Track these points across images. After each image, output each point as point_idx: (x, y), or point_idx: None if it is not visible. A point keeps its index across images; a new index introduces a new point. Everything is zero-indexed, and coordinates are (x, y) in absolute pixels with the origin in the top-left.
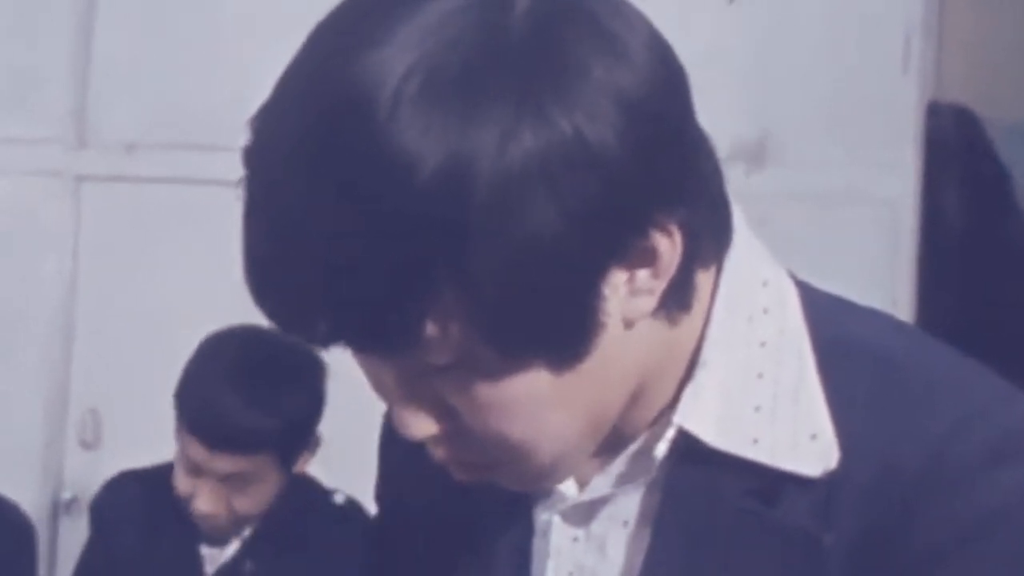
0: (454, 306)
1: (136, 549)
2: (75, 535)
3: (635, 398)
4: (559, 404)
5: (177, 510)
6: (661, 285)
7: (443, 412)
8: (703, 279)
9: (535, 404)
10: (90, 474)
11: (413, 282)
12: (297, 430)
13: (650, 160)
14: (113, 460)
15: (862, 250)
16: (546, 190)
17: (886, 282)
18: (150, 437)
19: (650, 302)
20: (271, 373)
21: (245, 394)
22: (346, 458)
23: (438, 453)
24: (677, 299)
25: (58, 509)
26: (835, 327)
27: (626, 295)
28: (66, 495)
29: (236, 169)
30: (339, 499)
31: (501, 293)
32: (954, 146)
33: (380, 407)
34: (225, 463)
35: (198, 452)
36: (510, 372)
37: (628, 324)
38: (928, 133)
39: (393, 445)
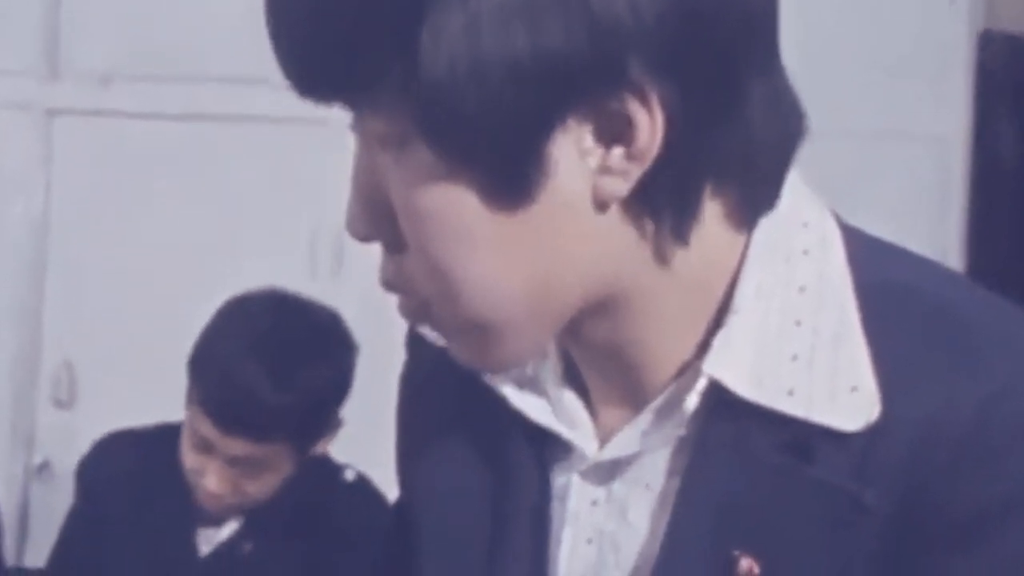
0: (403, 78)
1: (125, 520)
2: (48, 503)
3: (606, 312)
4: (492, 246)
5: (173, 480)
6: (636, 170)
7: (389, 220)
8: (729, 219)
9: (465, 231)
10: (64, 436)
11: (378, 32)
12: (320, 416)
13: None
14: (90, 421)
15: (908, 192)
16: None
17: (935, 226)
18: (131, 395)
19: (622, 186)
20: (297, 349)
21: (267, 375)
22: (359, 432)
23: (387, 273)
24: (669, 212)
25: (29, 474)
26: (881, 273)
27: (597, 169)
28: (38, 459)
29: (219, 102)
30: (349, 476)
31: (445, 90)
32: (1008, 78)
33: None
34: (238, 447)
35: (209, 431)
36: (444, 179)
37: (599, 204)
38: (979, 64)
39: (412, 407)
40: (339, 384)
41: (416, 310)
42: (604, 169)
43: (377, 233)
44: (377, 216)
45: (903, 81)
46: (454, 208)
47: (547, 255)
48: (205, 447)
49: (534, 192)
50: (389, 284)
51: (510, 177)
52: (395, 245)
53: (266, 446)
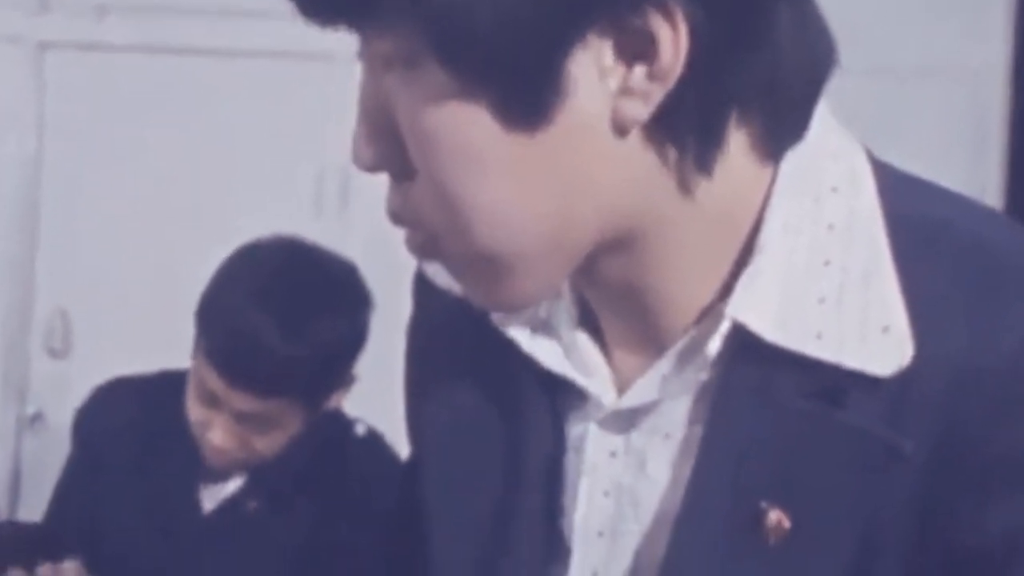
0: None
1: (125, 473)
2: (41, 456)
3: (624, 248)
4: (505, 170)
5: (176, 432)
6: (658, 92)
7: (396, 147)
8: (754, 150)
9: (476, 154)
10: (58, 386)
11: None
12: (332, 371)
13: None
14: (85, 371)
15: (945, 129)
16: None
17: (972, 164)
18: (128, 343)
19: (643, 109)
20: (309, 300)
21: (277, 326)
22: (368, 383)
23: (394, 204)
24: (692, 140)
25: (22, 426)
26: (914, 209)
27: (617, 90)
28: (31, 410)
29: (220, 36)
30: (361, 431)
31: (458, 5)
32: None
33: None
34: (245, 402)
35: (215, 384)
36: (455, 100)
37: (618, 128)
38: None
39: (421, 357)
40: (353, 338)
41: (424, 244)
42: (625, 90)
43: (384, 162)
44: (384, 144)
45: (939, 14)
46: (466, 130)
47: (563, 182)
48: (211, 400)
49: (551, 113)
50: (396, 216)
51: (526, 97)
52: (402, 174)
53: (274, 402)
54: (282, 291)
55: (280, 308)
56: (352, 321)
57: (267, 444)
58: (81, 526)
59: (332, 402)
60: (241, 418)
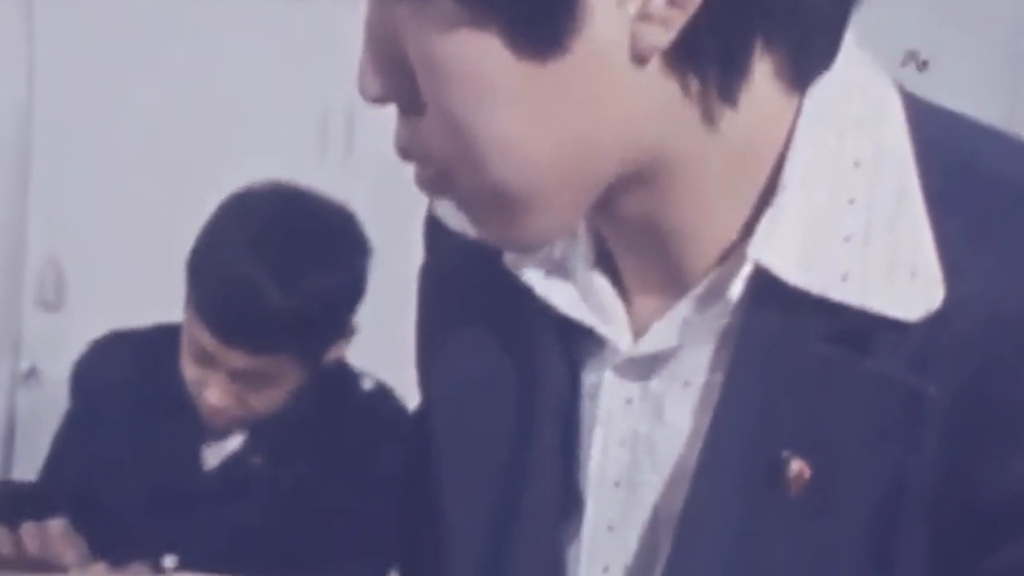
0: None
1: (124, 429)
2: (35, 412)
3: (644, 183)
4: (518, 101)
5: (176, 388)
6: (679, 18)
7: (405, 78)
8: (780, 80)
9: (489, 84)
10: (53, 340)
11: None
12: (330, 324)
13: None
14: (80, 324)
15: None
16: None
17: (1009, 98)
18: (124, 295)
19: (663, 36)
20: (304, 250)
21: (271, 278)
22: (374, 334)
23: (403, 139)
24: (715, 69)
25: (16, 381)
26: (946, 144)
27: (636, 15)
28: (24, 365)
29: None
30: (367, 385)
31: None
32: None
33: (404, 285)
34: (240, 359)
35: (208, 341)
36: (467, 27)
37: (638, 57)
38: None
39: (432, 302)
40: (351, 289)
41: (434, 180)
42: (644, 15)
43: (392, 93)
44: (392, 74)
45: None
46: (478, 59)
47: (580, 114)
48: (205, 359)
49: (566, 41)
50: (405, 151)
51: (539, 24)
52: (412, 106)
53: (271, 358)
54: (276, 241)
55: (274, 259)
56: (350, 270)
57: (265, 401)
58: (79, 483)
59: (332, 355)
60: (237, 376)
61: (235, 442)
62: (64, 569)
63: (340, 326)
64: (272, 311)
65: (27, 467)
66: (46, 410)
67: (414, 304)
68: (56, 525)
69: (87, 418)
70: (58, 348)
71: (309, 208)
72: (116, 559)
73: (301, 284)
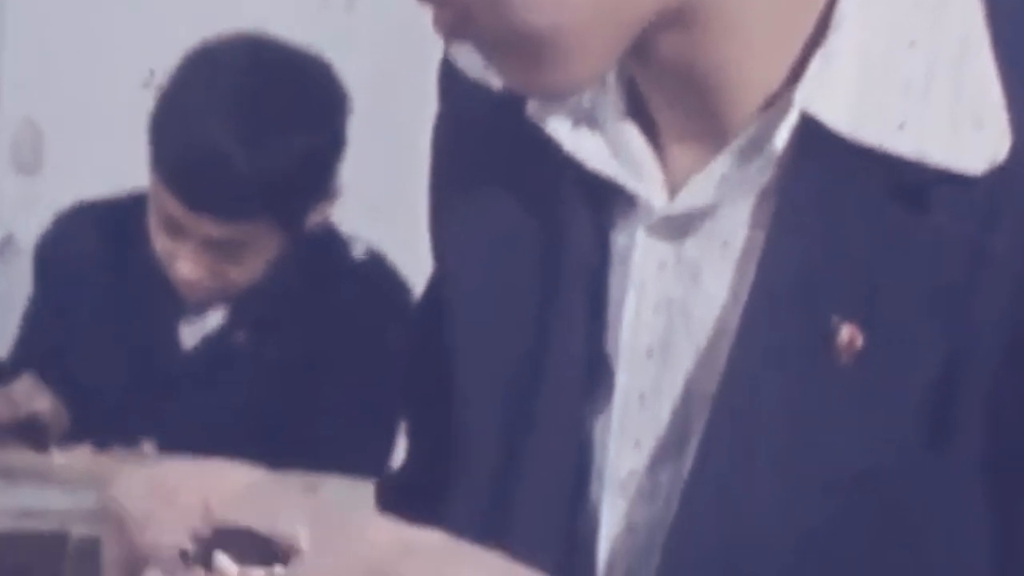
0: None
1: (94, 309)
2: (11, 282)
3: (684, 23)
4: None
5: (148, 262)
6: None
7: None
8: None
9: None
10: (29, 205)
11: None
12: (306, 184)
13: None
14: (58, 188)
15: None
16: None
17: None
18: (104, 158)
19: None
20: (277, 107)
21: (238, 137)
22: (371, 198)
23: None
24: None
25: None
26: None
27: None
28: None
29: None
30: (359, 251)
31: None
32: None
33: (403, 148)
34: (210, 227)
35: (175, 209)
36: None
37: None
38: None
39: (447, 158)
40: (327, 145)
41: (454, 24)
42: None
43: None
44: None
45: None
46: None
47: None
48: (174, 228)
49: None
50: None
51: None
52: None
53: (244, 225)
54: (243, 97)
55: (243, 116)
56: (326, 126)
57: (243, 272)
58: (48, 368)
59: (315, 219)
60: (209, 245)
61: (215, 318)
62: (44, 434)
63: (319, 187)
64: (240, 174)
65: (3, 339)
66: (23, 280)
67: (420, 168)
68: (23, 382)
69: (55, 298)
70: (35, 214)
71: (279, 59)
72: (98, 443)
73: (271, 143)
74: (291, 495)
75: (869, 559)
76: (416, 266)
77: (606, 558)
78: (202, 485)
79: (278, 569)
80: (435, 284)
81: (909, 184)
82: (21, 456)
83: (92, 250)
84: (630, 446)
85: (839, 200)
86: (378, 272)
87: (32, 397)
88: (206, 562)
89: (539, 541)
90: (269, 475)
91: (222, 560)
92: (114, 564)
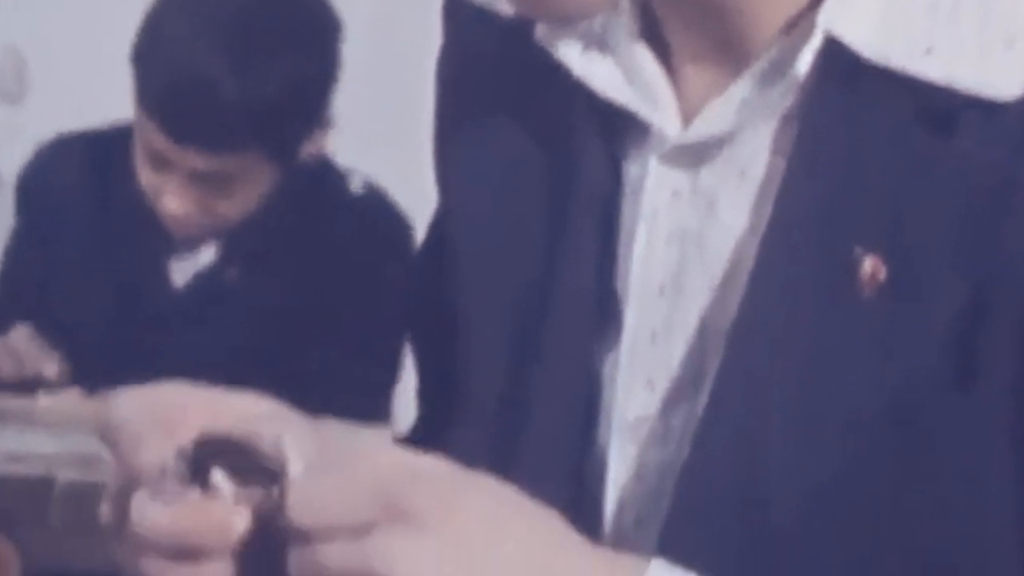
0: None
1: (78, 246)
2: None
3: None
4: None
5: (135, 197)
6: None
7: None
8: None
9: None
10: (12, 136)
11: None
12: (297, 113)
13: None
14: (43, 118)
15: None
16: None
17: None
18: (93, 85)
19: None
20: (265, 31)
21: (224, 64)
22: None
23: None
24: None
25: None
26: None
27: None
28: None
29: None
30: (356, 185)
31: None
32: None
33: (404, 77)
34: (197, 160)
35: (160, 142)
36: None
37: None
38: None
39: (452, 87)
40: (319, 72)
41: None
42: None
43: None
44: None
45: None
46: None
47: None
48: (160, 162)
49: None
50: None
51: None
52: None
53: (232, 156)
54: (228, 22)
55: (226, 43)
56: (317, 51)
57: (233, 206)
58: (31, 307)
59: (308, 150)
60: (196, 179)
61: (207, 255)
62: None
63: (311, 116)
64: (227, 103)
65: None
66: (6, 212)
67: (421, 98)
68: (20, 331)
69: (39, 232)
70: (19, 145)
71: None
72: (88, 384)
73: (258, 70)
74: (297, 421)
75: (888, 501)
76: (416, 200)
77: (614, 506)
78: (204, 409)
79: (277, 490)
80: (440, 218)
81: (936, 109)
82: (6, 400)
83: (76, 184)
84: (641, 386)
85: (863, 126)
86: (376, 206)
87: (38, 358)
88: (203, 483)
89: (546, 477)
90: (276, 404)
91: (217, 476)
92: (111, 488)
